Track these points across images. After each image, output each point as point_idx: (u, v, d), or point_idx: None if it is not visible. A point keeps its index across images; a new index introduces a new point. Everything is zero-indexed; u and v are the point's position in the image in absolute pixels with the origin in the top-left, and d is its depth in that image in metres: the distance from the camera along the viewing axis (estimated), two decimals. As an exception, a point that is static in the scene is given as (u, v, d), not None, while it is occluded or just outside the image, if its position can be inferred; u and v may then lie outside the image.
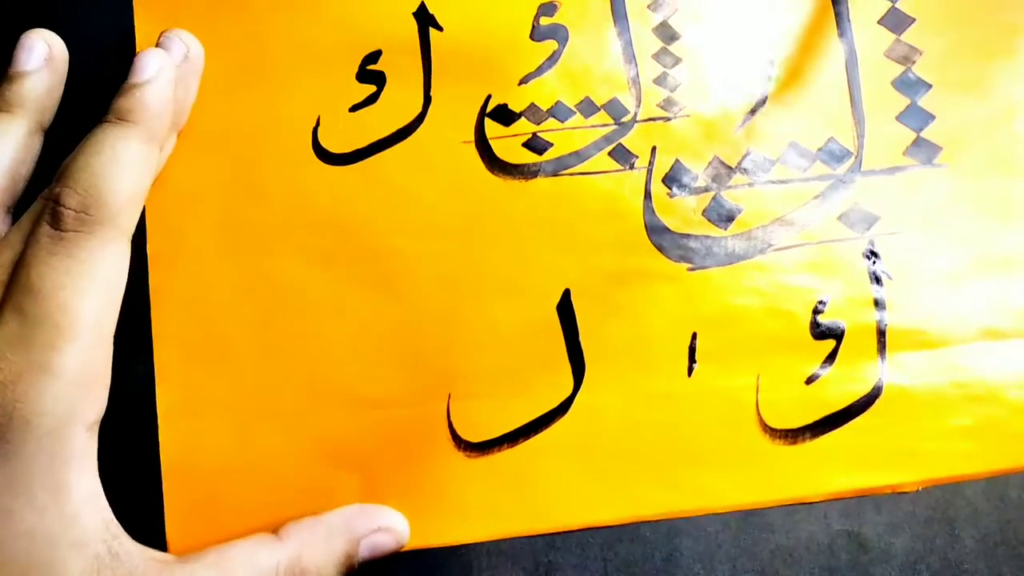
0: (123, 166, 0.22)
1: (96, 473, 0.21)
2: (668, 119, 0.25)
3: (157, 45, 0.24)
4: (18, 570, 0.19)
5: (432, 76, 0.25)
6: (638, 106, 0.25)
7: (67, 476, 0.20)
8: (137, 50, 0.25)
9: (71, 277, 0.20)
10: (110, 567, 0.20)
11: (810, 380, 0.24)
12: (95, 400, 0.21)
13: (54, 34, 0.25)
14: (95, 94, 0.24)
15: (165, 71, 0.23)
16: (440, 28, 0.25)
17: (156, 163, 0.23)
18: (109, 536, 0.20)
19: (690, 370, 0.24)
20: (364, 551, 0.22)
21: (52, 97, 0.24)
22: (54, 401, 0.19)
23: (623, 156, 0.25)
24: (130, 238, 0.22)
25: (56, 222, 0.21)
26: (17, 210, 0.23)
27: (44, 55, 0.24)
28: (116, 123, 0.22)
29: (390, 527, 0.23)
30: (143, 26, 0.25)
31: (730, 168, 0.25)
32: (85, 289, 0.20)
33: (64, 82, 0.25)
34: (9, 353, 0.19)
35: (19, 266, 0.21)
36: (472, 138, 0.25)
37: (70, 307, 0.20)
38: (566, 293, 0.24)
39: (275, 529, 0.22)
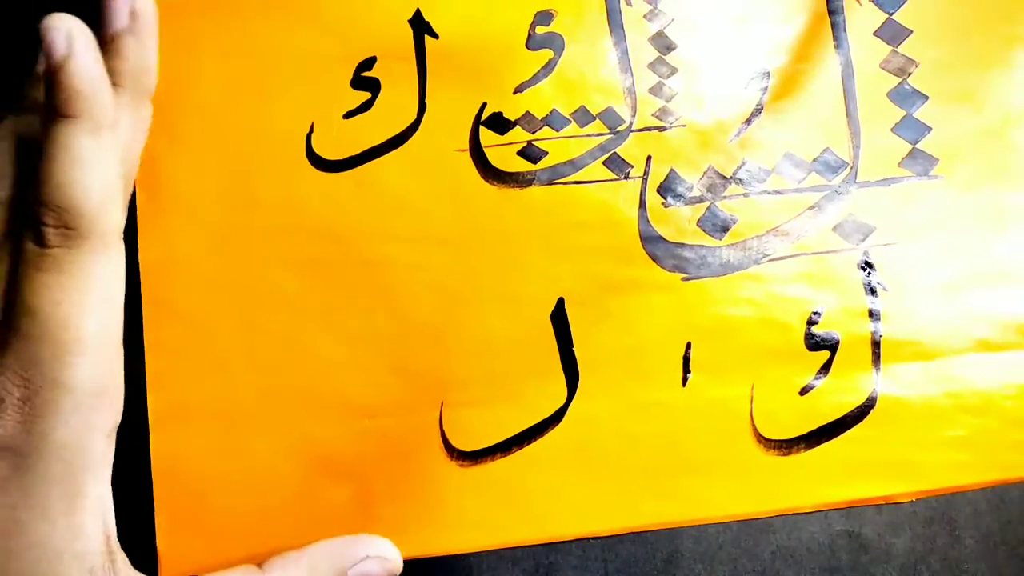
0: (82, 167, 0.20)
1: (108, 482, 0.21)
2: (663, 129, 0.25)
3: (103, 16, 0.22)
4: None
5: (427, 83, 0.25)
6: (633, 115, 0.25)
7: (83, 485, 0.20)
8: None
9: (66, 292, 0.20)
10: None
11: (804, 391, 0.24)
12: (111, 408, 0.21)
13: (77, 20, 0.22)
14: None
15: (78, 42, 0.20)
16: (436, 35, 0.25)
17: (112, 145, 0.21)
18: (106, 551, 0.20)
19: (684, 380, 0.24)
20: None
21: (151, 61, 0.23)
22: (71, 413, 0.20)
23: (618, 165, 0.25)
24: (119, 235, 0.22)
25: (40, 240, 0.20)
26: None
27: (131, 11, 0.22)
28: (59, 120, 0.20)
29: (379, 555, 0.22)
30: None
31: (725, 178, 0.25)
32: (82, 302, 0.20)
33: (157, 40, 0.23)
34: (21, 371, 0.19)
35: (12, 287, 0.20)
36: (467, 146, 0.25)
37: (71, 322, 0.20)
38: (560, 302, 0.24)
39: (267, 536, 0.22)
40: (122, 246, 0.22)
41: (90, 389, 0.20)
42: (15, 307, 0.20)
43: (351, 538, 0.23)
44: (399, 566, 0.22)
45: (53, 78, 0.20)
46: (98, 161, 0.21)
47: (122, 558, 0.21)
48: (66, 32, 0.20)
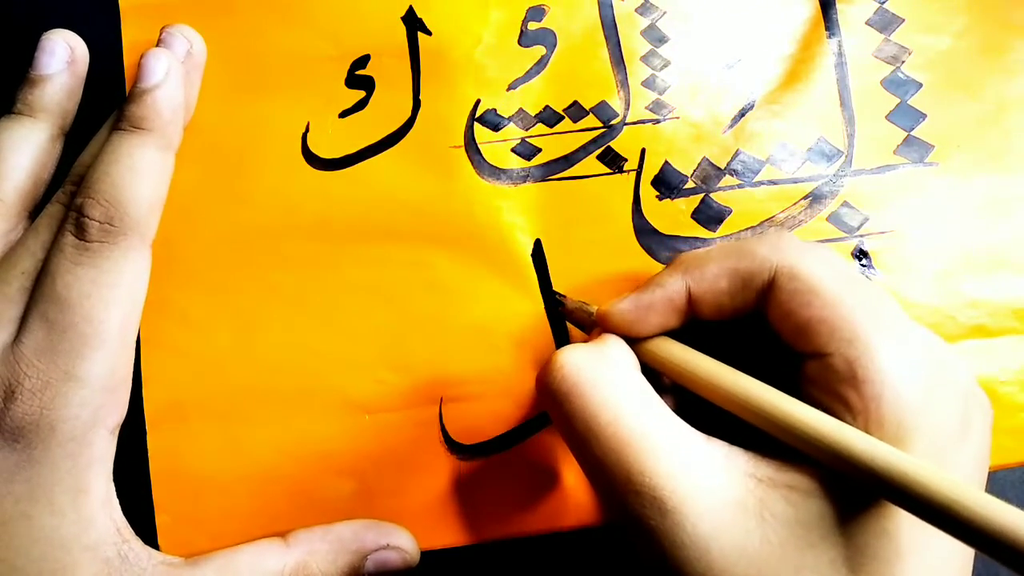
0: (142, 175, 0.22)
1: (111, 476, 0.21)
2: (657, 121, 0.25)
3: (159, 42, 0.24)
4: (32, 574, 0.19)
5: (421, 81, 0.25)
6: (627, 109, 0.25)
7: (87, 480, 0.20)
8: (124, 59, 0.25)
9: (97, 287, 0.21)
10: (119, 570, 0.20)
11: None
12: (118, 405, 0.21)
13: (75, 35, 0.25)
14: (84, 101, 0.25)
15: (173, 72, 0.23)
16: (429, 32, 0.25)
17: (172, 167, 0.23)
18: (120, 540, 0.21)
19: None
20: (370, 566, 0.22)
21: (73, 100, 0.25)
22: (80, 407, 0.20)
23: (612, 159, 0.25)
24: (150, 245, 0.23)
25: (81, 232, 0.21)
26: (35, 214, 0.23)
27: (66, 58, 0.24)
28: (131, 131, 0.22)
29: (398, 546, 0.23)
30: (130, 35, 0.25)
31: (719, 169, 0.25)
32: (110, 298, 0.21)
33: (83, 84, 0.25)
34: (36, 361, 0.20)
35: (44, 275, 0.21)
36: (461, 143, 0.25)
37: (96, 316, 0.21)
38: (556, 296, 0.24)
39: (268, 533, 0.23)
40: (150, 254, 0.23)
41: (102, 385, 0.20)
42: (44, 294, 0.21)
43: (375, 523, 0.23)
44: (416, 559, 0.23)
45: (140, 97, 0.22)
46: (158, 173, 0.23)
47: (138, 543, 0.21)
48: (166, 65, 0.23)
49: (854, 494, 0.17)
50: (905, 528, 0.17)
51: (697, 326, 0.20)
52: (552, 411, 0.19)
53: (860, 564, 0.16)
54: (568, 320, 0.23)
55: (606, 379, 0.18)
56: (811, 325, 0.18)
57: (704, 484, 0.17)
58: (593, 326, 0.22)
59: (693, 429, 0.18)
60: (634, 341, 0.20)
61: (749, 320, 0.20)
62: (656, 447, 0.17)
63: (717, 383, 0.19)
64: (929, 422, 0.17)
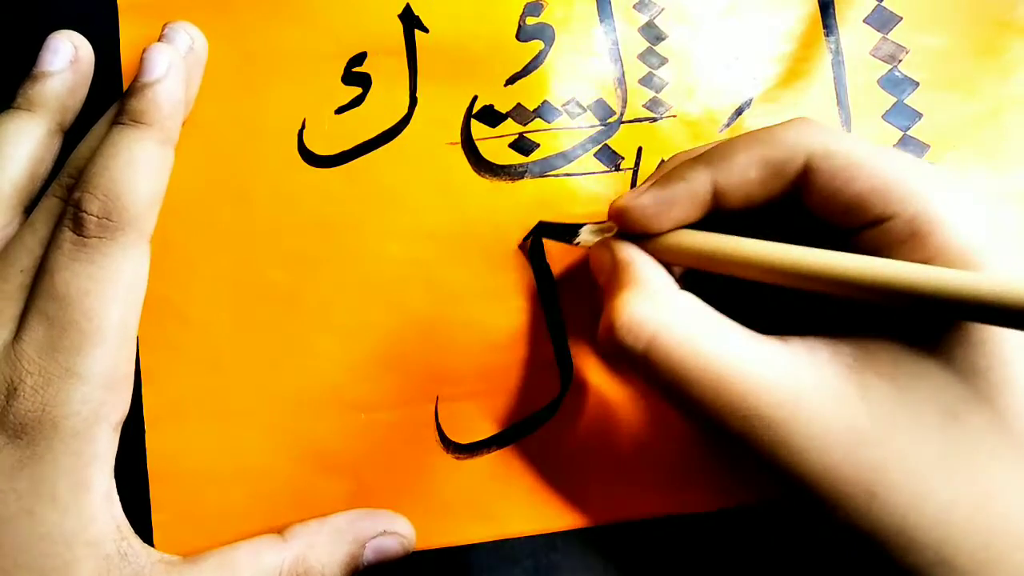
0: (141, 169, 0.22)
1: (112, 473, 0.21)
2: (654, 119, 0.25)
3: (161, 38, 0.24)
4: (35, 572, 0.19)
5: (418, 77, 0.25)
6: (623, 107, 0.25)
7: (90, 476, 0.20)
8: (121, 56, 0.25)
9: (96, 283, 0.21)
10: (119, 567, 0.20)
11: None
12: (120, 401, 0.21)
13: (81, 36, 0.25)
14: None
15: (175, 68, 0.23)
16: (425, 29, 0.25)
17: (171, 162, 0.23)
18: (119, 537, 0.21)
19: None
20: (369, 553, 0.22)
21: (75, 98, 0.24)
22: (82, 403, 0.20)
23: (609, 157, 0.25)
24: (149, 239, 0.22)
25: (78, 228, 0.21)
26: (31, 209, 0.23)
27: (69, 57, 0.24)
28: (131, 125, 0.22)
29: (396, 532, 0.23)
30: (128, 32, 0.25)
31: (717, 168, 0.25)
32: (109, 294, 0.21)
33: (88, 84, 0.25)
34: (37, 358, 0.20)
35: (42, 272, 0.21)
36: (458, 139, 0.25)
37: (96, 312, 0.20)
38: (554, 294, 0.24)
39: (265, 532, 0.22)
40: (149, 249, 0.22)
41: (102, 381, 0.20)
42: (43, 291, 0.21)
43: (370, 511, 0.23)
44: (414, 544, 0.23)
45: (140, 91, 0.22)
46: (157, 167, 0.22)
47: (137, 541, 0.21)
48: (168, 60, 0.23)
49: (938, 342, 0.17)
50: (1009, 351, 0.17)
51: (711, 219, 0.20)
52: (635, 370, 0.19)
53: (973, 404, 0.17)
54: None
55: (680, 331, 0.18)
56: (862, 196, 0.18)
57: (803, 392, 0.17)
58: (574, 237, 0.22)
59: (769, 338, 0.18)
60: (645, 236, 0.20)
61: (771, 208, 0.19)
62: (751, 379, 0.17)
63: (768, 258, 0.18)
64: (994, 261, 0.17)
